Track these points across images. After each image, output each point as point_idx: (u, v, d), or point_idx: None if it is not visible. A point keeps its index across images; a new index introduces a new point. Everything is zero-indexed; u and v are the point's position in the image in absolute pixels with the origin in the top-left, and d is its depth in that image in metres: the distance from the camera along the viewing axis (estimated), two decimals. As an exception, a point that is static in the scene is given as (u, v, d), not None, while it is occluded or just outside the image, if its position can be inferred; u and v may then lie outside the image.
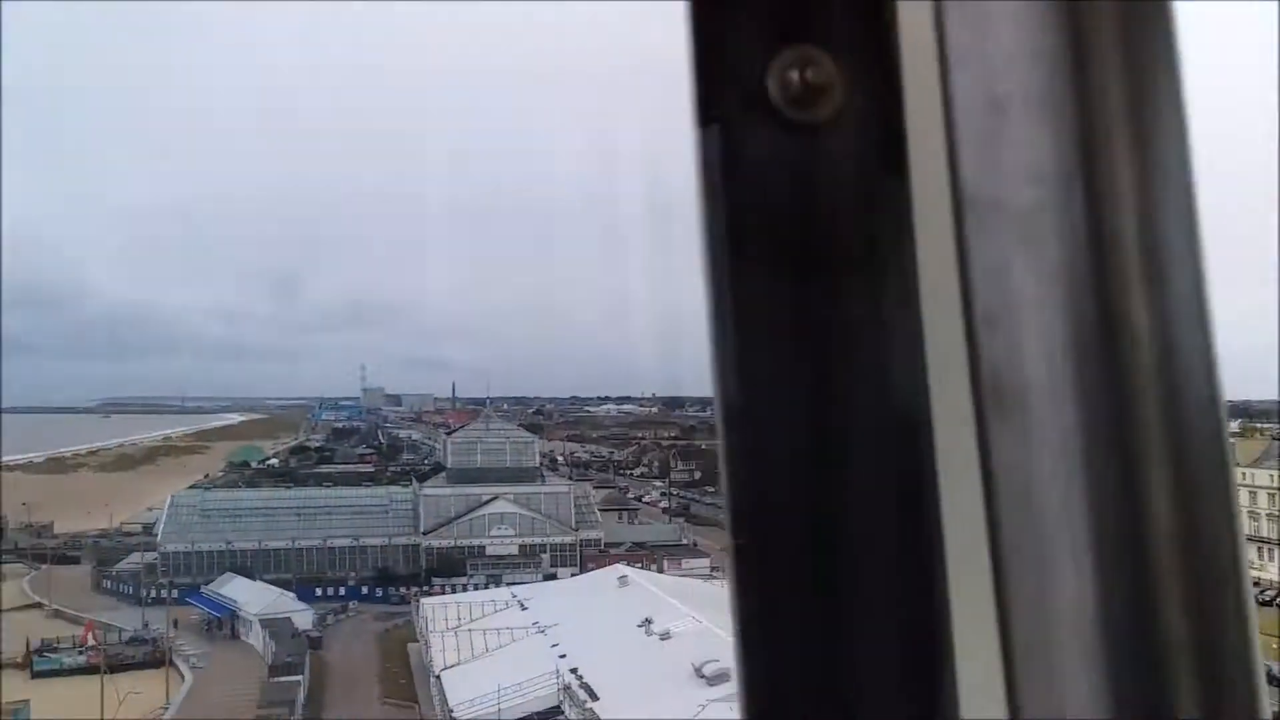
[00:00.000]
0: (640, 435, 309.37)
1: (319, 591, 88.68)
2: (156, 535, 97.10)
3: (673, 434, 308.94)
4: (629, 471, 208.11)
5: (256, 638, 74.57)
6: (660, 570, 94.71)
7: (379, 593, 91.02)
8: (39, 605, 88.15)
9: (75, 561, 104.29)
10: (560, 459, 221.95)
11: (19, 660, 69.85)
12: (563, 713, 51.12)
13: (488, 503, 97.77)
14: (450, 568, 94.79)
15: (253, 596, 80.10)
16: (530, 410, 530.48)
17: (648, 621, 57.52)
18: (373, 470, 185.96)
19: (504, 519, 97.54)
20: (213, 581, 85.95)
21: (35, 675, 67.63)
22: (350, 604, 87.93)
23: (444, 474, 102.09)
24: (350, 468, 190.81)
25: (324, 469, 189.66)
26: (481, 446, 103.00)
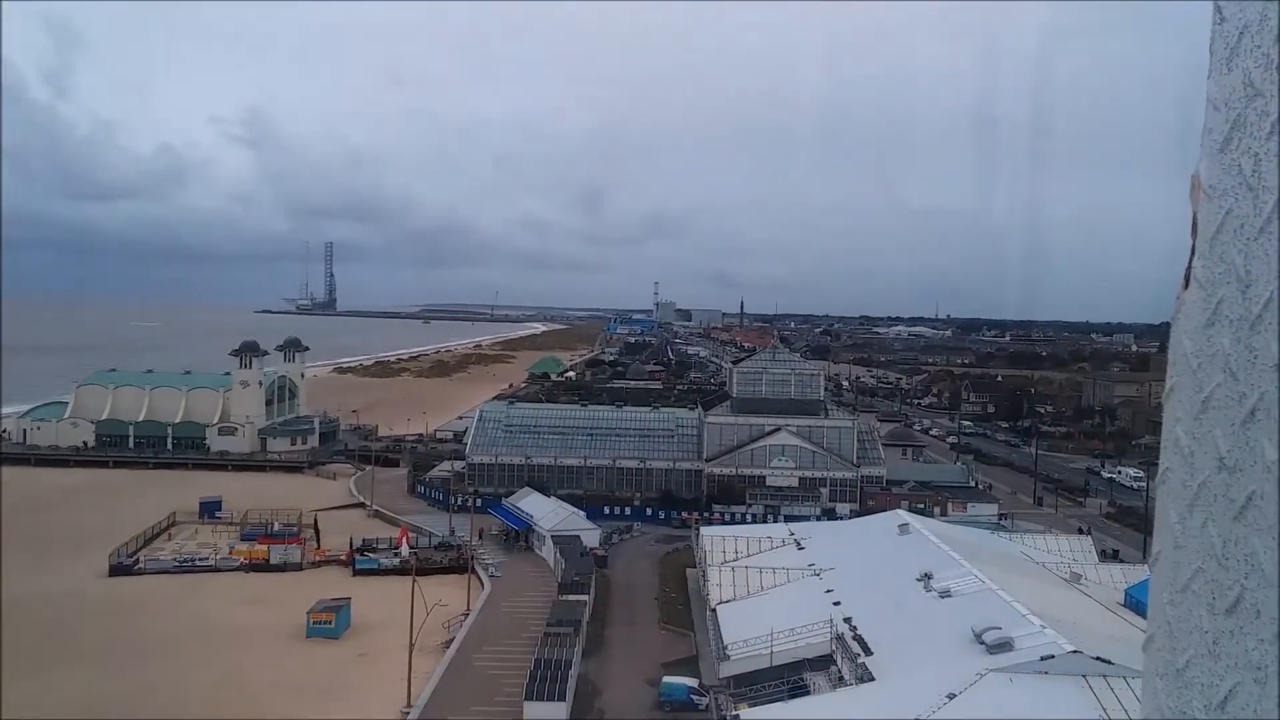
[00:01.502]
0: (931, 361, 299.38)
1: (606, 510, 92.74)
2: (465, 445, 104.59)
3: (966, 360, 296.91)
4: (917, 401, 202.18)
5: (548, 552, 79.06)
6: (944, 513, 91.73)
7: (661, 515, 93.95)
8: (361, 505, 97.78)
9: (395, 464, 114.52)
10: (845, 384, 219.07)
11: (342, 557, 77.83)
12: (834, 663, 50.60)
13: (770, 434, 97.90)
14: (730, 495, 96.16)
15: (547, 512, 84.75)
16: (817, 329, 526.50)
17: (927, 576, 55.56)
18: (661, 387, 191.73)
19: (785, 451, 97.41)
20: (512, 494, 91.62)
21: (356, 573, 75.14)
22: (635, 525, 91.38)
23: (728, 402, 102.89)
24: (640, 384, 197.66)
25: (616, 384, 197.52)
26: (766, 377, 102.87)
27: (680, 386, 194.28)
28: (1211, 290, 1.42)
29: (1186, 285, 1.48)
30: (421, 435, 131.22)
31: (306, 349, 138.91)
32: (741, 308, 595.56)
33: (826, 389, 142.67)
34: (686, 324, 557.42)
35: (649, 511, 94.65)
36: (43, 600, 66.65)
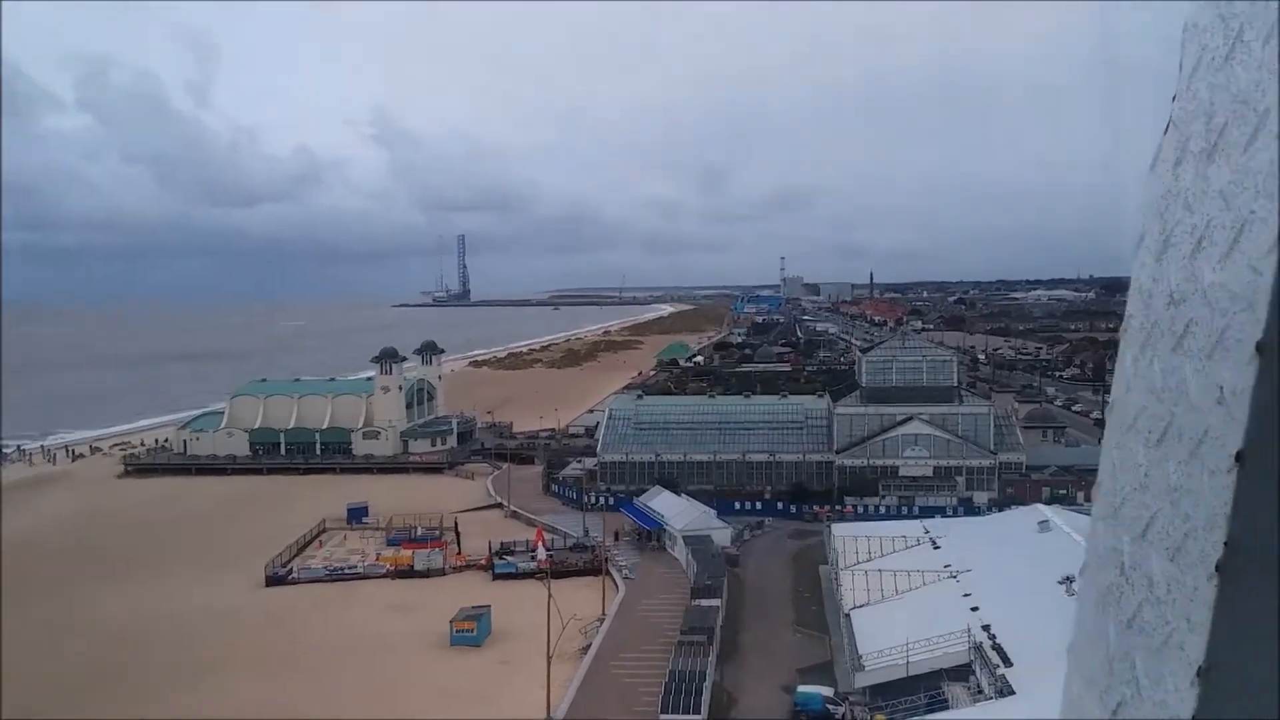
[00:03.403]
0: (1073, 328, 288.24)
1: (736, 505, 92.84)
2: (596, 441, 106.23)
3: (1111, 325, 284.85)
4: (1057, 373, 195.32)
5: (680, 552, 79.74)
6: (1089, 499, 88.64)
7: (793, 509, 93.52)
8: (499, 505, 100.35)
9: (530, 462, 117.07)
10: (982, 356, 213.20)
11: (482, 562, 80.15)
12: (973, 673, 49.77)
13: (902, 423, 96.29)
14: (863, 487, 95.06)
15: (678, 511, 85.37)
16: (951, 298, 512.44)
17: (1068, 579, 53.88)
18: (790, 369, 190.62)
19: (918, 440, 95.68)
20: (644, 493, 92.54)
21: (495, 577, 77.31)
22: (765, 520, 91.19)
23: (858, 392, 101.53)
24: (768, 367, 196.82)
25: (744, 368, 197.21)
26: (896, 365, 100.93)
27: (810, 367, 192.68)
28: (1183, 129, 1.45)
29: (1166, 131, 1.52)
30: (554, 431, 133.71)
31: (442, 351, 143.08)
32: (871, 279, 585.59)
33: (962, 363, 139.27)
34: (815, 298, 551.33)
35: (780, 505, 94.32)
36: (204, 613, 70.85)
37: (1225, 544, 1.22)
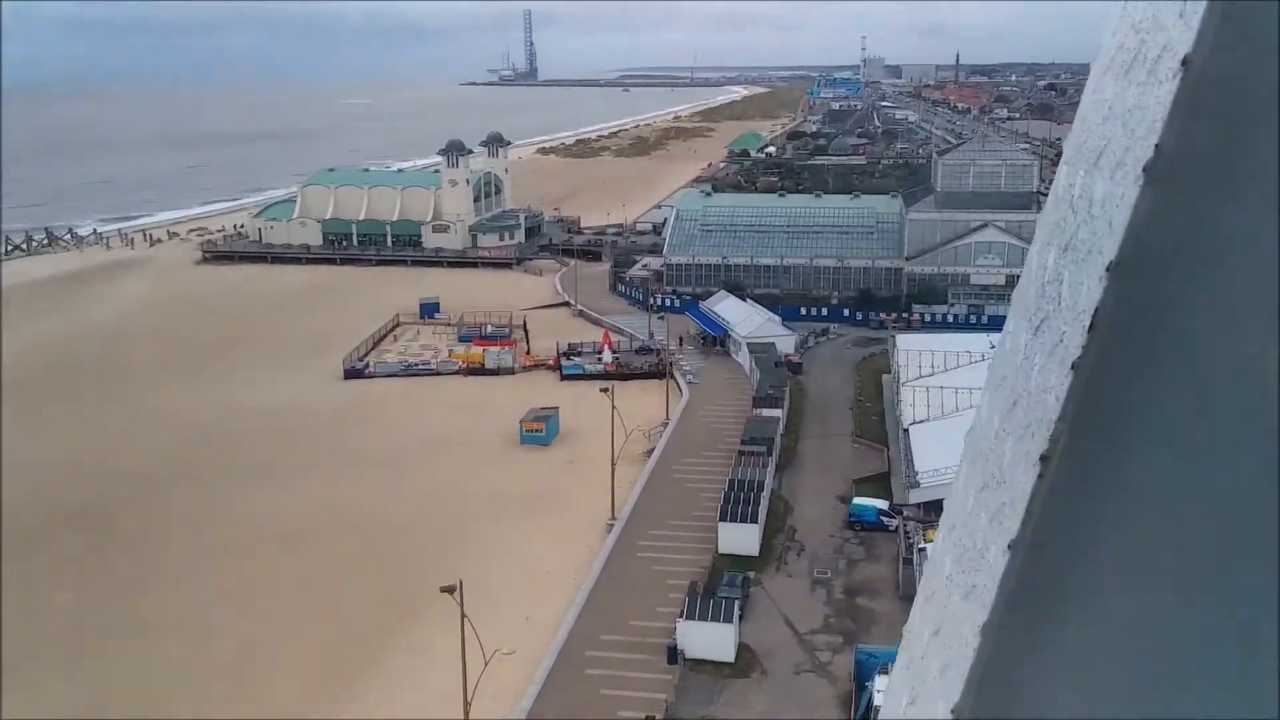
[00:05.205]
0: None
1: (803, 311, 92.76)
2: (663, 239, 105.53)
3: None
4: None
5: (744, 358, 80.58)
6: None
7: (859, 316, 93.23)
8: (566, 304, 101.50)
9: (597, 258, 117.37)
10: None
11: (550, 363, 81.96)
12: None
13: (976, 230, 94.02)
14: (931, 295, 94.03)
15: (743, 318, 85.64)
16: (1041, 82, 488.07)
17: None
18: (864, 163, 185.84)
19: (992, 248, 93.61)
20: (710, 296, 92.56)
21: (563, 378, 79.17)
22: (831, 326, 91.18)
23: (932, 196, 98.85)
24: (842, 159, 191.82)
25: (818, 160, 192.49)
26: (974, 169, 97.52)
27: (885, 161, 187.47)
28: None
29: None
30: (621, 227, 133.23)
31: (509, 143, 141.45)
32: (957, 60, 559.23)
33: (1045, 159, 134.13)
34: (896, 81, 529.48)
35: (846, 312, 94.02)
36: (283, 407, 74.00)
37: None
